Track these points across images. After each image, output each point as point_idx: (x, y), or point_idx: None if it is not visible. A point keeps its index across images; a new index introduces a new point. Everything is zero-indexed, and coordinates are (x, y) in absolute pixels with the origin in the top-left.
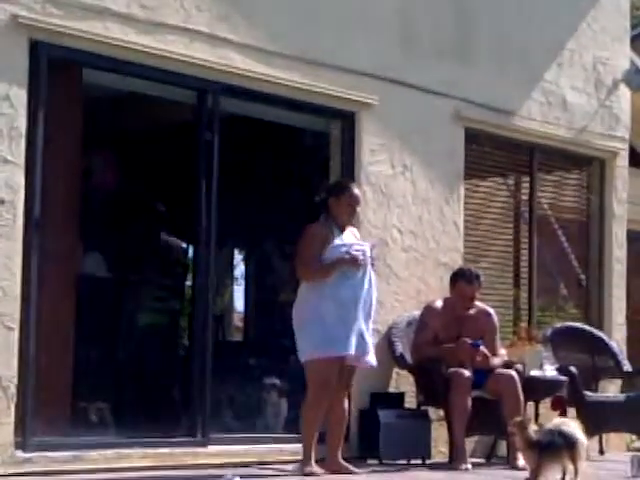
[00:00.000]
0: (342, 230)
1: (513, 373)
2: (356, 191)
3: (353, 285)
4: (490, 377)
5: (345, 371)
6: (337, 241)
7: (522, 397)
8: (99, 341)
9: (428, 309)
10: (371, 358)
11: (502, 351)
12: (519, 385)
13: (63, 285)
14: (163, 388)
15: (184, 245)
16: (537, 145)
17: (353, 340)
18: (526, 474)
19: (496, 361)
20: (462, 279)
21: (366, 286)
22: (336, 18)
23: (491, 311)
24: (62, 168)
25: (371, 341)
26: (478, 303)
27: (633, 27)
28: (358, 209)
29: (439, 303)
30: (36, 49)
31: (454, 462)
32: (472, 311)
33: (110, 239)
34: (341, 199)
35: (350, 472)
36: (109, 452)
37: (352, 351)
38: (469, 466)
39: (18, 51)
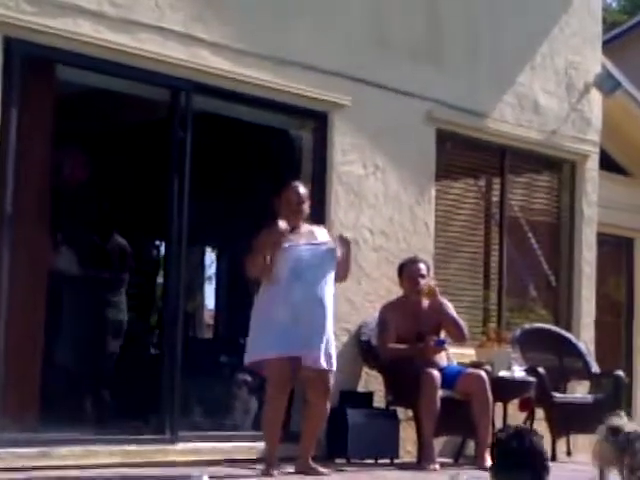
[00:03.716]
0: (293, 229)
1: (482, 373)
2: (299, 189)
3: (305, 285)
4: (459, 377)
5: (312, 374)
6: (286, 244)
7: (491, 397)
8: (69, 338)
9: (385, 308)
10: (323, 360)
11: (469, 351)
12: (488, 385)
13: (34, 281)
14: (133, 385)
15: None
16: (508, 147)
17: (307, 340)
18: None
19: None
20: (407, 263)
21: (319, 285)
22: (309, 17)
23: (443, 300)
24: (34, 164)
25: (328, 342)
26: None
27: (605, 32)
28: (305, 207)
29: (394, 301)
30: (9, 46)
31: (423, 462)
32: (426, 304)
33: (81, 236)
34: (283, 198)
35: (319, 473)
36: (78, 449)
37: (304, 351)
38: (437, 466)
39: None
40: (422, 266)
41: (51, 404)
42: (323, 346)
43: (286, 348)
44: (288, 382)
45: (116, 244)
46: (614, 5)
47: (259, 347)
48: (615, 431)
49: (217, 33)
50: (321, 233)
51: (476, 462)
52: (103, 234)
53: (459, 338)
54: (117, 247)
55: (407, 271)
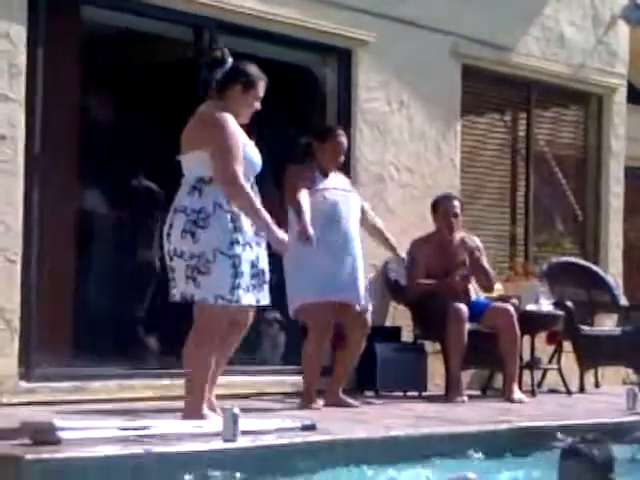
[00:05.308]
0: (325, 176)
1: (509, 307)
2: (342, 138)
3: (343, 230)
4: (487, 310)
5: (354, 313)
6: (321, 186)
7: (518, 331)
8: (100, 275)
9: (414, 245)
10: (364, 300)
11: (497, 285)
12: (515, 319)
13: (64, 220)
14: (165, 321)
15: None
16: (535, 81)
17: (351, 284)
18: (521, 406)
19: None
20: (442, 200)
21: (354, 229)
22: None
23: (474, 238)
24: (61, 105)
25: (363, 283)
26: (463, 234)
27: None
28: (342, 157)
29: (425, 237)
30: None
31: (450, 394)
32: (458, 242)
33: (109, 176)
34: (326, 144)
35: (349, 405)
36: (111, 383)
37: (349, 294)
38: (465, 398)
39: None
40: (456, 203)
41: (85, 340)
42: (363, 287)
43: (331, 292)
44: (331, 324)
45: (144, 184)
46: None
47: (302, 293)
48: None
49: None
50: (344, 180)
51: (504, 395)
52: (132, 174)
53: (486, 288)
54: (145, 187)
55: (441, 207)
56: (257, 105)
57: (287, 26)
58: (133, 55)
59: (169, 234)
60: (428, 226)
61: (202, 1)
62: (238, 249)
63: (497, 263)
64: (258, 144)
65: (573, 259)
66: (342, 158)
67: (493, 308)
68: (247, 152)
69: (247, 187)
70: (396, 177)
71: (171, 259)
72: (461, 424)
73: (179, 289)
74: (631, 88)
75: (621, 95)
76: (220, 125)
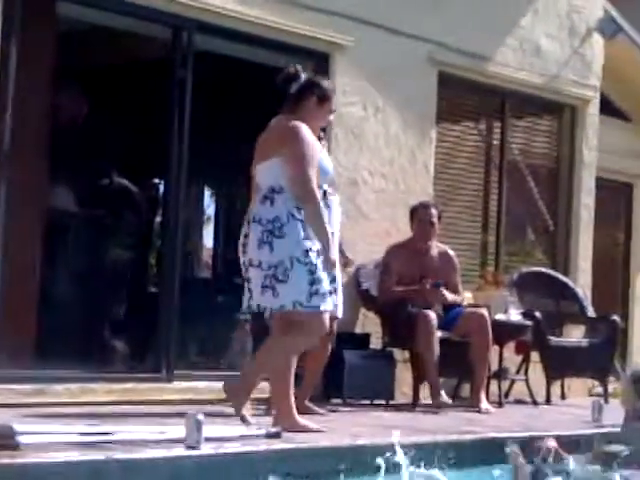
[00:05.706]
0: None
1: (484, 312)
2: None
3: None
4: (460, 317)
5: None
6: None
7: (491, 336)
8: (66, 275)
9: (390, 251)
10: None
11: (467, 294)
12: (489, 324)
13: (31, 218)
14: (130, 324)
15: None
16: (510, 91)
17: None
18: (487, 416)
19: (450, 297)
20: (420, 207)
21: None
22: None
23: (451, 253)
24: (33, 101)
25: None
26: (439, 244)
27: None
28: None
29: (400, 244)
30: None
31: (433, 400)
32: (433, 252)
33: (79, 174)
34: (325, 105)
35: (316, 413)
36: (74, 386)
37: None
38: (449, 401)
39: None
40: (433, 211)
41: (48, 342)
42: (341, 296)
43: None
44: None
45: (116, 182)
46: None
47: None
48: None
49: None
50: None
51: (472, 403)
52: (102, 172)
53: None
54: (117, 185)
55: (418, 215)
56: (331, 118)
57: (266, 28)
58: (109, 53)
59: (244, 244)
60: (401, 232)
61: (182, 1)
62: (313, 256)
63: (468, 271)
64: (232, 145)
65: (543, 269)
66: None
67: (467, 313)
68: (320, 160)
69: (318, 194)
70: (370, 182)
71: (247, 270)
72: (427, 433)
73: (255, 299)
74: (604, 100)
75: (594, 107)
76: (295, 132)
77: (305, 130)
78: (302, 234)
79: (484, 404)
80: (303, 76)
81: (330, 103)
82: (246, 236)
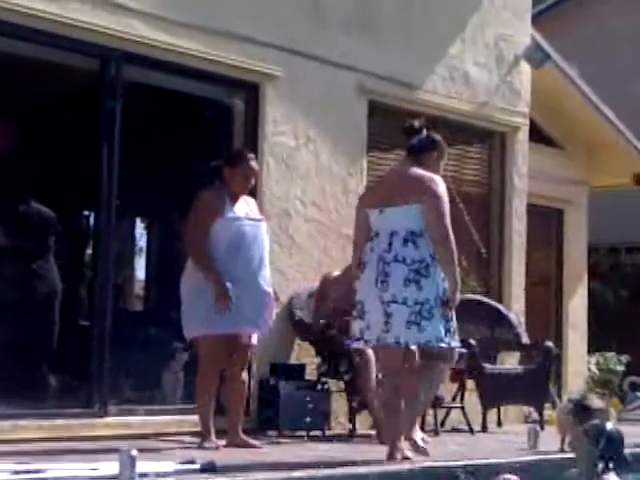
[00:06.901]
0: (235, 200)
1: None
2: (253, 163)
3: (247, 261)
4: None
5: (239, 345)
6: (229, 214)
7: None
8: None
9: (326, 279)
10: (255, 337)
11: None
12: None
13: None
14: (61, 358)
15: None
16: (439, 118)
17: (252, 319)
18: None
19: None
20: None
21: (261, 262)
22: None
23: None
24: None
25: (270, 315)
26: None
27: (534, 5)
28: (253, 181)
29: (337, 273)
30: None
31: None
32: None
33: (7, 205)
34: (237, 169)
35: (250, 446)
36: (4, 424)
37: (247, 329)
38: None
39: None
40: None
41: None
42: (269, 319)
43: (221, 324)
44: (223, 358)
45: (38, 212)
46: None
47: (199, 323)
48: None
49: (147, 2)
50: (253, 205)
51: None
52: (31, 204)
53: None
54: (40, 215)
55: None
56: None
57: (195, 59)
58: (37, 84)
59: (384, 282)
60: (333, 261)
61: (108, 32)
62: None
63: None
64: (163, 176)
65: (476, 296)
66: (253, 182)
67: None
68: None
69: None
70: (302, 211)
71: (389, 306)
72: (364, 464)
73: (394, 333)
74: (534, 127)
75: (524, 133)
76: (437, 184)
77: (442, 183)
78: (442, 275)
79: (419, 434)
80: (425, 132)
81: (444, 159)
82: (387, 274)
